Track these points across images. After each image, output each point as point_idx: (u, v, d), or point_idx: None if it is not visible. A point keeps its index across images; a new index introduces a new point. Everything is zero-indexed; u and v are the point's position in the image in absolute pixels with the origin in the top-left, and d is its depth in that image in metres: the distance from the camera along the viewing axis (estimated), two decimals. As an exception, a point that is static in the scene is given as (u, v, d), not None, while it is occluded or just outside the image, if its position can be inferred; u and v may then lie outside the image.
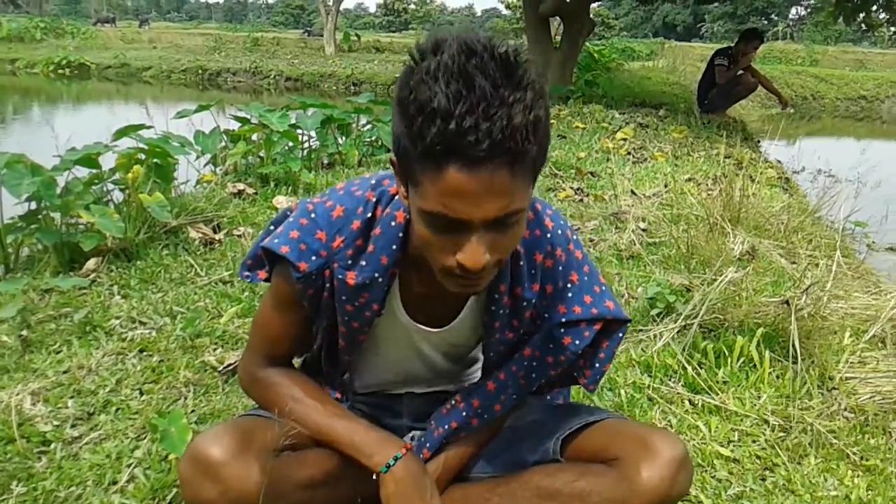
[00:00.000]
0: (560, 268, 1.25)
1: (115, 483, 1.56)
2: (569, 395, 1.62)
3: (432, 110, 0.88)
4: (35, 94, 17.45)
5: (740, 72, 8.10)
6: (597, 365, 1.31)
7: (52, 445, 1.69)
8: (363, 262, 1.19)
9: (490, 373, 1.34)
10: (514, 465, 1.36)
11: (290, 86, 17.79)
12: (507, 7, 46.63)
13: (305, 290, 1.22)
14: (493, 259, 0.99)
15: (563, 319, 1.25)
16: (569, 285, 1.26)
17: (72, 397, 1.88)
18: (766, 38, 10.33)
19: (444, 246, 0.99)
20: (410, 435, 1.44)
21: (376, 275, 1.19)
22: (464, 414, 1.33)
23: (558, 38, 9.75)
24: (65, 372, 2.00)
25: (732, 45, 8.34)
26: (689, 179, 4.78)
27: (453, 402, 1.36)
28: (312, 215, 1.21)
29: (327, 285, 1.22)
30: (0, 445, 1.67)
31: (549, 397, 1.52)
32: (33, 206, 2.87)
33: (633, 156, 5.68)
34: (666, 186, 4.41)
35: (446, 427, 1.34)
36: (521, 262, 1.21)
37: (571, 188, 4.34)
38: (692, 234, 3.17)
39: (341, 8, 24.59)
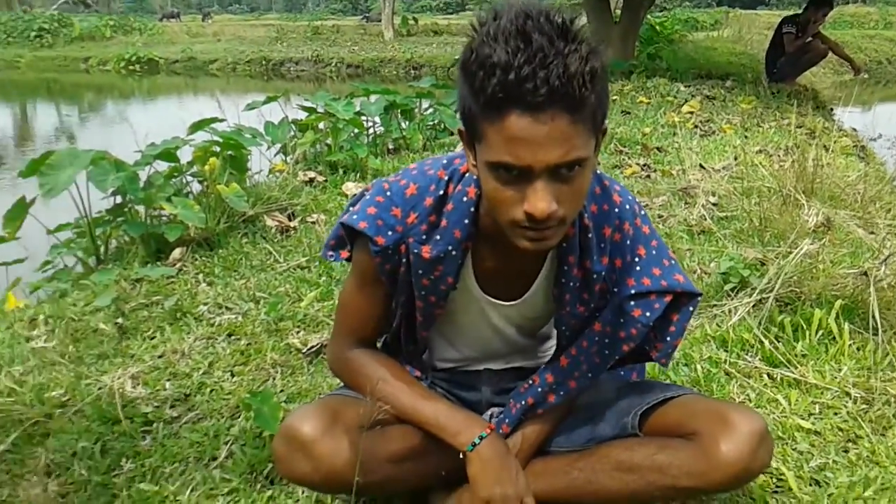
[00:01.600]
0: (628, 242, 1.28)
1: (214, 459, 1.66)
2: (644, 372, 1.64)
3: (492, 64, 0.94)
4: (108, 90, 18.07)
5: (809, 39, 7.83)
6: (668, 339, 1.33)
7: (154, 425, 1.80)
8: (437, 237, 1.24)
9: (563, 348, 1.38)
10: (593, 440, 1.40)
11: (351, 72, 17.95)
12: (565, -17, 45.89)
13: (383, 264, 1.28)
14: (559, 211, 1.03)
15: (633, 292, 1.27)
16: (637, 259, 1.28)
17: (168, 380, 2.00)
18: (835, 3, 9.93)
19: (511, 198, 1.03)
20: (490, 412, 1.49)
21: (450, 248, 1.24)
22: (539, 390, 1.37)
23: (618, 11, 9.57)
24: (160, 356, 2.12)
25: (801, 12, 8.05)
26: (760, 151, 4.67)
27: (530, 380, 1.40)
28: (388, 193, 1.27)
29: (403, 260, 1.28)
30: (108, 426, 1.79)
31: (623, 373, 1.55)
32: (118, 200, 3.02)
33: (701, 129, 5.58)
34: (736, 159, 4.33)
35: (523, 403, 1.39)
36: (590, 235, 1.23)
37: (638, 164, 4.30)
38: (765, 206, 3.11)
39: (399, -8, 24.64)
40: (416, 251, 1.25)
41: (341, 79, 17.42)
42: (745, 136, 5.26)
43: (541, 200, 1.00)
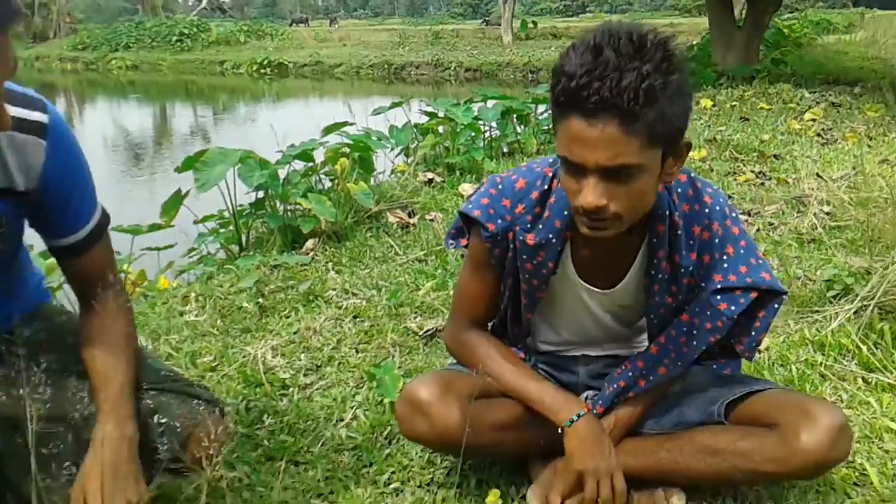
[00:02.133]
0: (717, 240, 1.41)
1: (341, 420, 1.90)
2: (738, 369, 1.74)
3: (563, 71, 1.14)
4: (241, 91, 19.18)
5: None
6: (753, 333, 1.45)
7: (290, 389, 2.07)
8: (540, 226, 1.42)
9: (653, 338, 1.52)
10: (681, 425, 1.53)
11: (469, 76, 18.29)
12: (691, -16, 44.57)
13: (493, 249, 1.47)
14: (610, 207, 1.19)
15: (719, 286, 1.40)
16: (725, 257, 1.41)
17: (302, 352, 2.27)
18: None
19: (573, 189, 1.22)
20: (585, 394, 1.65)
21: (551, 236, 1.41)
22: (630, 374, 1.52)
23: (745, 13, 9.37)
24: (295, 332, 2.41)
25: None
26: (883, 161, 4.56)
27: (622, 366, 1.55)
28: (500, 186, 1.46)
29: (511, 246, 1.46)
30: (251, 388, 2.07)
31: (715, 367, 1.66)
32: (260, 194, 3.37)
33: (822, 137, 5.46)
34: (854, 169, 4.25)
35: (615, 387, 1.53)
36: (679, 233, 1.37)
37: (752, 172, 4.30)
38: (878, 217, 3.10)
39: (518, -4, 24.79)
40: (521, 238, 1.44)
41: (459, 82, 17.79)
42: (869, 146, 5.11)
43: (589, 195, 1.18)
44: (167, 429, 1.28)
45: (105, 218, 1.35)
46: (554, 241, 1.42)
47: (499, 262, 1.50)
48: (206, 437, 1.22)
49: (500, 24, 24.74)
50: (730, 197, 3.74)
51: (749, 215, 3.48)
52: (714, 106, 6.72)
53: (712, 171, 4.30)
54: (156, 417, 1.28)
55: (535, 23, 25.12)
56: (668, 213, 1.35)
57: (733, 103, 6.86)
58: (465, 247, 1.59)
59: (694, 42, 11.10)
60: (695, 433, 1.48)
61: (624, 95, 1.09)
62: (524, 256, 1.46)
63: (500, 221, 1.44)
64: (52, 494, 1.22)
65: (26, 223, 1.28)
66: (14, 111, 1.09)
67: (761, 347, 2.18)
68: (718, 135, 5.21)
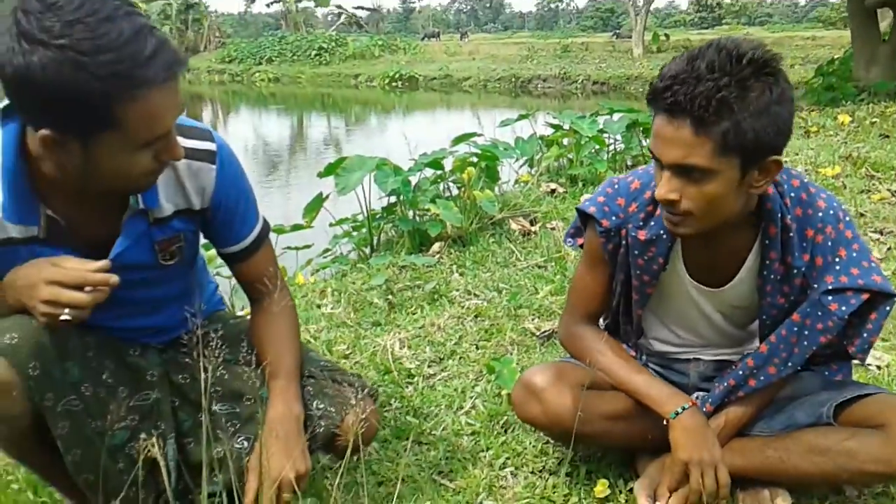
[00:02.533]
0: (829, 243, 1.44)
1: (461, 408, 2.05)
2: (850, 375, 1.76)
3: (659, 74, 1.28)
4: (372, 103, 19.90)
5: None
6: (864, 335, 1.47)
7: (415, 378, 2.24)
8: (652, 223, 1.51)
9: (764, 338, 1.57)
10: (791, 428, 1.56)
11: (597, 89, 18.19)
12: (837, -6, 42.23)
13: (607, 244, 1.58)
14: (682, 203, 1.30)
15: (830, 287, 1.43)
16: (837, 259, 1.44)
17: (427, 346, 2.44)
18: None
19: (657, 181, 1.34)
20: (695, 395, 1.71)
21: (661, 232, 1.50)
22: (740, 373, 1.57)
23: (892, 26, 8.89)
24: (420, 327, 2.59)
25: None
26: None
27: (733, 365, 1.61)
28: (616, 186, 1.58)
29: (623, 243, 1.56)
30: (380, 375, 2.26)
31: (827, 373, 1.69)
32: (392, 199, 3.59)
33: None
34: None
35: (725, 385, 1.58)
36: (791, 234, 1.42)
37: (888, 190, 4.14)
38: None
39: (651, 7, 24.40)
40: (633, 234, 1.54)
41: (586, 95, 17.73)
42: None
43: (661, 186, 1.31)
44: (324, 413, 1.47)
45: (266, 227, 1.57)
46: (664, 236, 1.50)
47: (612, 257, 1.60)
48: (357, 418, 1.39)
49: (630, 37, 24.44)
50: (861, 215, 3.63)
51: (881, 234, 3.37)
52: (852, 122, 6.44)
53: (845, 188, 4.17)
54: (315, 402, 1.48)
55: (667, 35, 24.64)
56: (780, 215, 1.41)
57: (874, 120, 6.55)
58: (582, 246, 1.70)
59: (835, 56, 10.61)
60: (802, 433, 1.51)
61: (696, 102, 1.20)
62: (636, 252, 1.55)
63: (614, 218, 1.55)
64: (227, 463, 1.43)
65: (201, 236, 1.51)
66: (188, 143, 1.32)
67: (882, 364, 2.16)
68: (855, 152, 5.01)
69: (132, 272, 1.32)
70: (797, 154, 5.14)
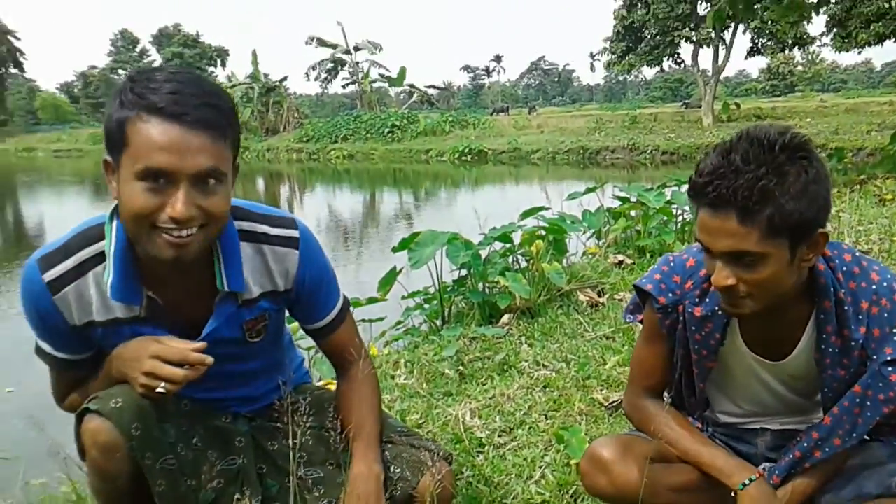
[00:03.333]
0: (886, 315, 1.46)
1: (531, 477, 2.10)
2: (920, 445, 1.74)
3: (697, 169, 1.34)
4: (442, 177, 20.32)
5: None
6: None
7: (486, 447, 2.30)
8: (707, 300, 1.56)
9: (827, 410, 1.58)
10: (859, 499, 1.55)
11: (666, 159, 18.19)
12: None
13: (664, 320, 1.63)
14: (741, 288, 1.35)
15: (889, 358, 1.45)
16: (895, 330, 1.48)
17: (497, 415, 2.51)
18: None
19: (710, 269, 1.39)
20: (762, 466, 1.72)
21: (717, 308, 1.55)
22: (805, 445, 1.58)
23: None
24: (491, 398, 2.65)
25: None
26: None
27: (798, 437, 1.62)
28: (672, 264, 1.64)
29: (681, 318, 1.61)
30: (452, 444, 2.32)
31: (895, 443, 1.68)
32: (462, 273, 3.71)
33: None
34: None
35: (791, 457, 1.60)
36: (846, 308, 1.46)
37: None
38: None
39: (721, 77, 24.42)
40: (689, 311, 1.59)
41: (655, 165, 17.73)
42: None
43: (717, 274, 1.36)
44: (401, 476, 1.57)
45: (346, 302, 1.70)
46: (720, 313, 1.56)
47: (670, 333, 1.66)
48: (434, 479, 1.50)
49: (700, 107, 24.43)
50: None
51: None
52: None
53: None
54: (392, 467, 1.58)
55: (737, 104, 24.57)
56: (832, 290, 1.45)
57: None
58: (641, 322, 1.76)
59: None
60: (870, 503, 1.51)
61: (739, 194, 1.27)
62: (693, 328, 1.60)
63: (670, 295, 1.61)
64: None
65: (287, 314, 1.64)
66: (275, 231, 1.48)
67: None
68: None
69: (221, 347, 1.44)
70: (871, 223, 5.07)
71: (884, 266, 1.53)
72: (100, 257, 1.35)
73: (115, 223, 1.34)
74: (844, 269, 1.48)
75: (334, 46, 39.37)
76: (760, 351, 1.60)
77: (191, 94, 1.20)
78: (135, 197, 1.21)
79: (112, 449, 1.32)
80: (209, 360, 1.32)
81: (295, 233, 1.51)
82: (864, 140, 18.06)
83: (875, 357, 1.48)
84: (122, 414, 1.32)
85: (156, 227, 1.23)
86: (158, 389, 1.29)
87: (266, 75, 41.89)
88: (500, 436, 2.37)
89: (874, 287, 1.48)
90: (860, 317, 1.47)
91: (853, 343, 1.48)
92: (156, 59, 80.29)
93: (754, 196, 1.27)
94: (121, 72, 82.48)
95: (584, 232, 4.94)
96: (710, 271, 1.40)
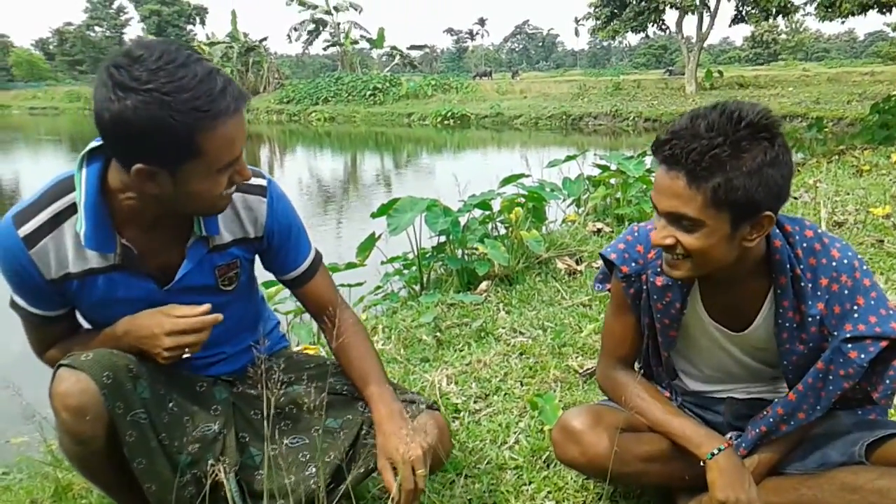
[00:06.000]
0: (846, 292, 1.49)
1: (505, 443, 2.13)
2: (885, 415, 1.77)
3: (667, 129, 1.36)
4: (424, 141, 20.22)
5: None
6: (887, 381, 1.50)
7: (461, 413, 2.32)
8: None
9: (790, 383, 1.62)
10: (824, 466, 1.60)
11: (648, 126, 18.20)
12: (895, 29, 41.42)
13: (628, 288, 1.66)
14: (676, 249, 1.39)
15: (849, 335, 1.48)
16: (855, 307, 1.49)
17: (473, 382, 2.53)
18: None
19: (655, 227, 1.43)
20: (729, 434, 1.75)
21: None
22: (772, 420, 1.61)
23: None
24: (467, 364, 2.67)
25: None
26: None
27: (764, 411, 1.66)
28: (636, 234, 1.66)
29: (644, 287, 1.64)
30: (428, 409, 2.35)
31: (860, 412, 1.72)
32: (441, 239, 3.71)
33: None
34: None
35: (757, 431, 1.63)
36: (803, 284, 1.48)
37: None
38: None
39: (705, 44, 24.35)
40: (651, 280, 1.61)
41: (637, 132, 17.74)
42: None
43: (657, 231, 1.41)
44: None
45: (318, 256, 1.73)
46: (680, 282, 1.58)
47: (635, 302, 1.68)
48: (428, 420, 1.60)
49: (684, 74, 24.39)
50: (911, 256, 3.61)
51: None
52: (908, 161, 6.37)
53: (895, 227, 4.14)
54: None
55: (720, 72, 24.55)
56: (789, 266, 1.47)
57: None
58: (609, 291, 1.78)
59: (893, 93, 10.44)
60: (836, 472, 1.55)
61: (690, 157, 1.29)
62: (654, 297, 1.63)
63: (633, 265, 1.63)
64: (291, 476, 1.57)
65: (258, 261, 1.67)
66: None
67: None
68: (909, 191, 4.97)
69: (196, 295, 1.49)
70: (848, 193, 5.12)
71: (846, 243, 1.55)
72: (73, 208, 1.37)
73: (83, 172, 1.36)
74: (805, 245, 1.50)
75: (314, 7, 38.76)
76: (722, 321, 1.63)
77: (223, 82, 1.26)
78: (219, 184, 1.33)
79: (81, 411, 1.34)
80: (220, 317, 1.43)
81: (263, 181, 1.57)
82: (845, 110, 18.17)
83: (836, 333, 1.51)
84: (92, 364, 1.36)
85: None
86: (185, 356, 1.43)
87: (246, 35, 41.24)
88: (475, 402, 2.40)
89: (834, 264, 1.50)
90: (819, 293, 1.50)
91: (810, 319, 1.51)
92: (133, 16, 78.68)
93: (704, 162, 1.30)
94: (97, 28, 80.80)
95: (564, 199, 4.95)
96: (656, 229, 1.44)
